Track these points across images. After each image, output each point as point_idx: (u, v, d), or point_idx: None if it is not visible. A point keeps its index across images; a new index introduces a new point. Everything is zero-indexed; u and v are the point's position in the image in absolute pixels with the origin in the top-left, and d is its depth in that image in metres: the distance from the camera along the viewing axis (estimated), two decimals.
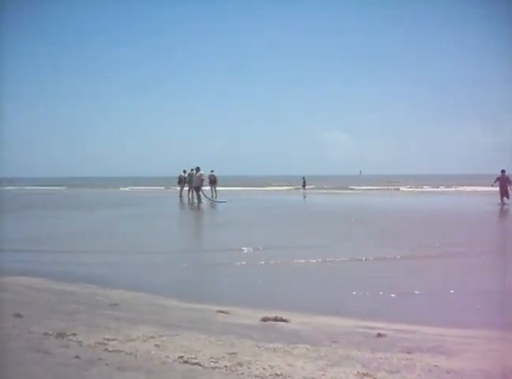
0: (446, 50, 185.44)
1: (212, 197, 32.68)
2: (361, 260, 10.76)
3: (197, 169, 31.68)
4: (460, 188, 52.56)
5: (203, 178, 31.19)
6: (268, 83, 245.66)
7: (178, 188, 36.00)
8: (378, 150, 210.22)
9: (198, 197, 30.72)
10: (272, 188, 61.59)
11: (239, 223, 19.21)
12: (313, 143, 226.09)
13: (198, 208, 28.64)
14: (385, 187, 56.78)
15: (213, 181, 36.10)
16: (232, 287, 8.96)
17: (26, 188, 70.01)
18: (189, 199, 32.00)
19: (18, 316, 6.01)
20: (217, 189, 35.32)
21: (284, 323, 6.12)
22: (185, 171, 34.82)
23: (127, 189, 65.11)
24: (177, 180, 36.15)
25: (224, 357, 4.53)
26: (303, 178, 53.98)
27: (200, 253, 13.17)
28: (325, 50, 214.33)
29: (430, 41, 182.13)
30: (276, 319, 6.19)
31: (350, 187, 58.63)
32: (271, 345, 4.98)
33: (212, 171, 36.46)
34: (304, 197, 42.48)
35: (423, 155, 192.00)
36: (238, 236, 15.56)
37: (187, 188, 33.81)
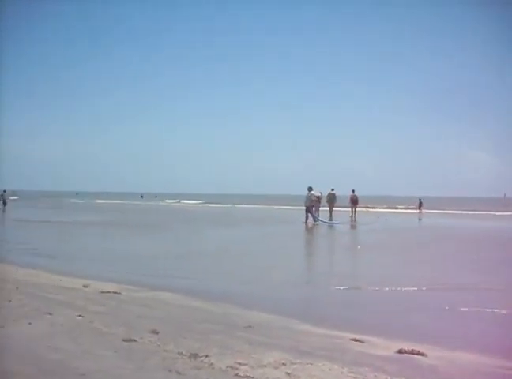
0: None
1: (352, 217, 32.56)
2: None
3: (309, 189, 31.52)
4: None
5: (313, 198, 30.97)
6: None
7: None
8: None
9: (314, 218, 30.60)
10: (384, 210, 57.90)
11: (377, 248, 18.86)
12: (450, 162, 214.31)
13: (312, 228, 28.50)
14: None
15: (355, 201, 36.16)
16: (368, 313, 8.79)
17: (98, 201, 74.15)
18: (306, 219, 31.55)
19: (155, 332, 6.36)
20: (357, 209, 35.47)
21: (421, 357, 5.90)
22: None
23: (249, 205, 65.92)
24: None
25: None
26: (420, 199, 52.72)
27: (335, 276, 13.08)
28: None
29: None
30: (412, 352, 5.98)
31: (488, 211, 51.41)
32: None
33: (332, 190, 36.40)
34: (419, 220, 40.77)
35: None
36: (380, 262, 15.29)
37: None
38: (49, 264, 13.14)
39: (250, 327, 7.02)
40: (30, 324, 6.55)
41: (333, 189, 36.99)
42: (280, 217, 38.89)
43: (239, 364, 5.18)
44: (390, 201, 70.94)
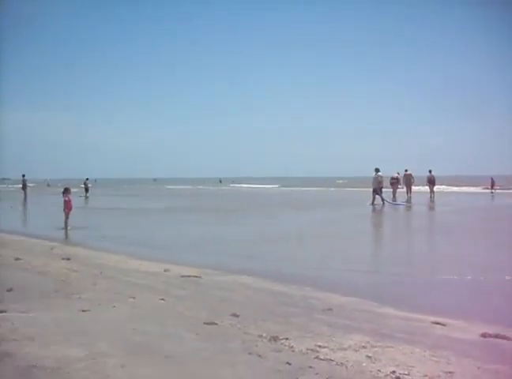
0: None
1: (430, 198, 31.90)
2: None
3: (376, 170, 30.98)
4: None
5: (379, 179, 30.38)
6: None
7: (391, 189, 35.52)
8: None
9: (382, 199, 30.05)
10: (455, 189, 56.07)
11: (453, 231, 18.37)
12: None
13: (381, 209, 27.99)
14: None
15: (432, 181, 35.42)
16: (449, 297, 8.61)
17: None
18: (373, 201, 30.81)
19: (235, 315, 6.51)
20: (434, 189, 34.77)
21: (506, 341, 5.73)
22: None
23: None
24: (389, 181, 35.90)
25: (439, 376, 4.43)
26: (492, 178, 50.87)
27: (414, 260, 12.86)
28: None
29: None
30: (497, 336, 5.82)
31: None
32: (493, 366, 4.73)
33: (406, 170, 35.70)
34: (493, 199, 39.35)
35: None
36: (462, 245, 14.92)
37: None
38: (130, 249, 13.60)
39: (329, 310, 7.06)
40: (114, 307, 6.85)
41: (406, 170, 36.22)
42: (349, 199, 38.39)
43: (319, 347, 5.23)
44: (462, 181, 68.77)
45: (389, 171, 35.51)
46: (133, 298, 7.49)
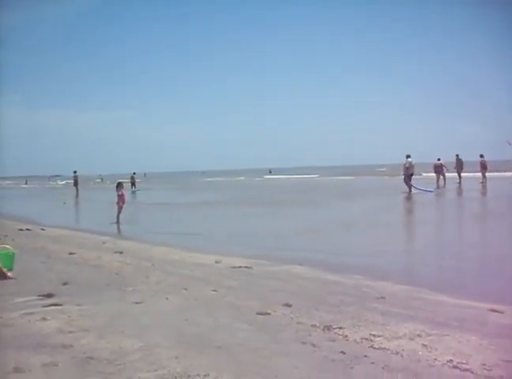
0: None
1: (482, 183, 31.28)
2: None
3: (407, 156, 30.40)
4: None
5: (407, 166, 29.81)
6: None
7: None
8: None
9: (409, 186, 29.61)
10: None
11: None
12: None
13: (409, 197, 27.54)
14: None
15: (484, 166, 34.70)
16: (506, 284, 8.41)
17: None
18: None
19: (288, 305, 6.53)
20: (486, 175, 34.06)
21: None
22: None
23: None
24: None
25: (498, 365, 4.34)
26: None
27: (467, 247, 12.59)
28: None
29: None
30: None
31: None
32: None
33: (457, 155, 35.05)
34: None
35: None
36: None
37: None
38: (180, 242, 13.79)
39: (382, 298, 7.01)
40: (167, 299, 6.96)
41: (457, 155, 35.40)
42: (390, 187, 37.71)
43: (374, 335, 5.21)
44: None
45: (431, 158, 34.97)
46: (186, 289, 7.60)
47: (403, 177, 30.32)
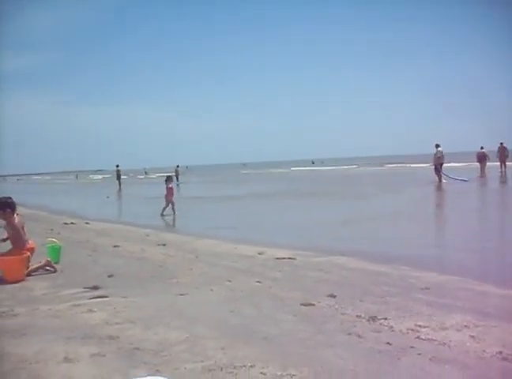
0: None
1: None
2: None
3: (437, 146, 29.79)
4: None
5: (438, 156, 29.24)
6: None
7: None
8: None
9: (439, 176, 29.12)
10: None
11: None
12: None
13: (440, 187, 27.14)
14: None
15: (504, 154, 33.83)
16: None
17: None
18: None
19: (332, 296, 6.53)
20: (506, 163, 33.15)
21: None
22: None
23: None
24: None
25: None
26: None
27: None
28: None
29: None
30: None
31: None
32: None
33: (501, 143, 34.24)
34: None
35: None
36: None
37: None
38: (223, 234, 13.87)
39: (427, 288, 6.93)
40: (212, 290, 7.04)
41: (502, 143, 34.40)
42: (414, 178, 36.96)
43: (420, 326, 5.17)
44: None
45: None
46: (230, 281, 7.67)
47: (433, 167, 29.92)
